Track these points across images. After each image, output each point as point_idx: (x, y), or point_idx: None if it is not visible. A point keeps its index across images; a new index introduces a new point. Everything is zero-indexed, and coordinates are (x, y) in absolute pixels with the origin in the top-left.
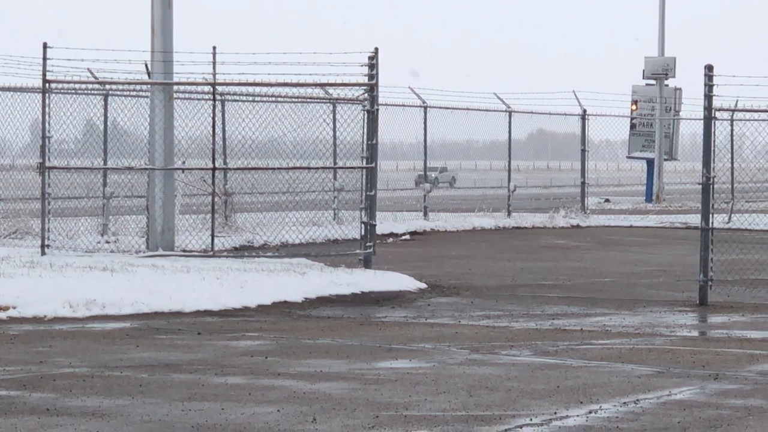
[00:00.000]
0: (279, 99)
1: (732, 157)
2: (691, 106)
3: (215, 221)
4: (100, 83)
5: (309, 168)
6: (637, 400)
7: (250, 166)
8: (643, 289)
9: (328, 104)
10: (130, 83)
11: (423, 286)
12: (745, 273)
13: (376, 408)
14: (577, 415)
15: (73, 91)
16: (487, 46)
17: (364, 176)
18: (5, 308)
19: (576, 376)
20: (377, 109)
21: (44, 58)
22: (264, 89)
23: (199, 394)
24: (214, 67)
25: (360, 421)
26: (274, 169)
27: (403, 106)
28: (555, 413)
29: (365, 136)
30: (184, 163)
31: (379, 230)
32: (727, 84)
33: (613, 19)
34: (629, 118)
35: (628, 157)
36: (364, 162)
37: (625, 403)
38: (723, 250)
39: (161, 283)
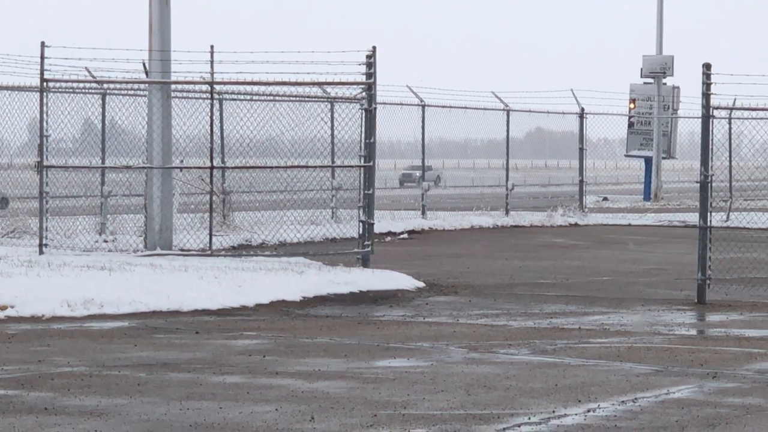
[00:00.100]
0: (277, 98)
1: (730, 156)
2: (689, 105)
3: (213, 220)
4: (97, 82)
5: (307, 167)
6: (636, 398)
7: (248, 164)
8: (641, 288)
9: (326, 103)
10: (127, 82)
11: (421, 284)
12: (743, 271)
13: (374, 407)
14: (576, 414)
15: (71, 90)
16: (486, 45)
17: (362, 175)
18: (3, 307)
19: (574, 374)
20: (375, 108)
21: (42, 57)
22: (262, 88)
23: (197, 393)
24: (211, 66)
25: (358, 420)
26: (272, 167)
27: (401, 104)
28: (553, 412)
29: (363, 135)
30: (182, 161)
31: (377, 229)
32: (725, 82)
33: (611, 18)
34: (627, 117)
35: (626, 156)
36: (362, 161)
37: (623, 401)
38: (721, 249)
39: (159, 283)
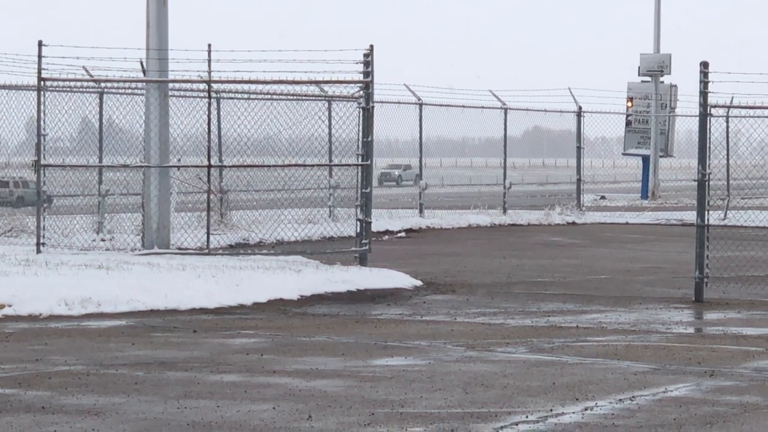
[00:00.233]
0: (274, 97)
1: (728, 154)
2: (687, 103)
3: (211, 219)
4: (95, 81)
5: (304, 165)
6: (633, 396)
7: (245, 163)
8: (638, 286)
9: (324, 102)
10: (125, 81)
11: (419, 283)
12: (740, 270)
13: (372, 405)
14: (573, 412)
15: (69, 89)
16: (483, 44)
17: (360, 173)
18: (0, 306)
19: (572, 373)
20: (373, 107)
21: (39, 56)
22: (259, 87)
23: (195, 391)
24: (209, 65)
25: (355, 419)
26: (269, 166)
27: (399, 103)
28: (551, 410)
29: (360, 134)
30: (179, 160)
31: (374, 227)
32: (723, 81)
33: (609, 17)
34: (625, 115)
35: (624, 154)
36: (360, 159)
37: (620, 400)
38: (718, 247)
39: (157, 281)
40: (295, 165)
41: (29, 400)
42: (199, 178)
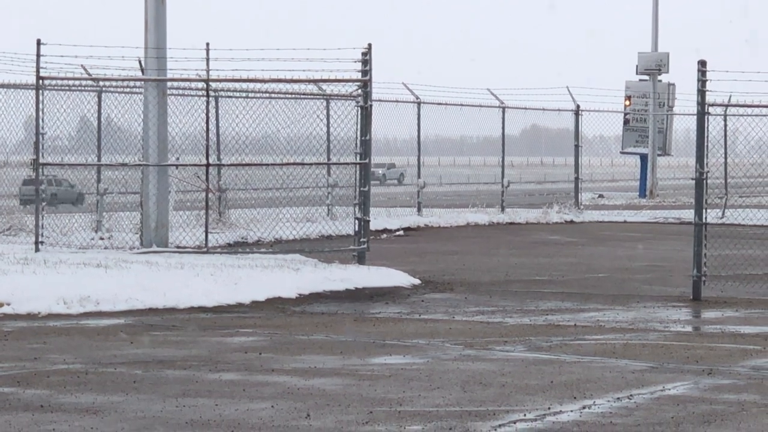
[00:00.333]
0: (273, 95)
1: (726, 153)
2: (685, 102)
3: (209, 217)
4: (93, 80)
5: (303, 164)
6: (631, 395)
7: (243, 162)
8: (636, 285)
9: (322, 100)
10: (123, 79)
11: (417, 281)
12: (738, 268)
13: (370, 404)
14: (571, 411)
15: (67, 88)
16: (481, 43)
17: (358, 172)
18: None
19: (570, 371)
20: (371, 105)
21: (38, 55)
22: (258, 85)
23: (193, 390)
24: (207, 64)
25: (354, 417)
26: (268, 165)
27: (397, 102)
28: (549, 408)
29: (359, 132)
30: (178, 159)
31: (372, 226)
32: (721, 79)
33: (607, 15)
34: (623, 114)
35: (622, 153)
36: (358, 158)
37: (618, 398)
38: (716, 246)
39: (155, 280)
40: (294, 163)
41: (28, 399)
42: (198, 177)
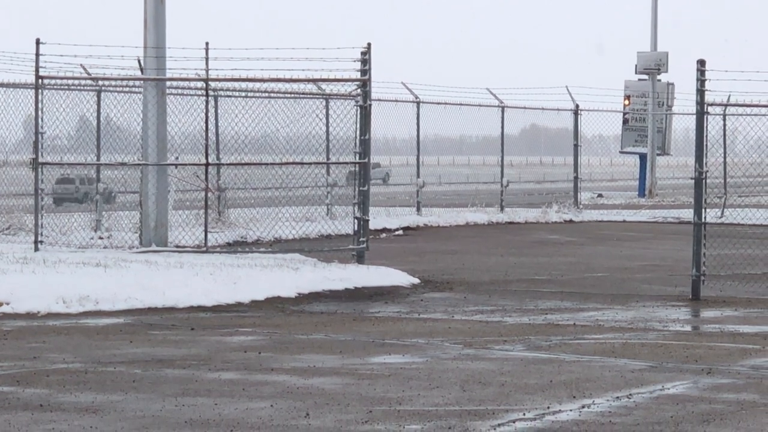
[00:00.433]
0: (272, 95)
1: (725, 152)
2: (684, 101)
3: (208, 217)
4: (93, 79)
5: (302, 163)
6: (630, 394)
7: (243, 161)
8: (635, 284)
9: (321, 100)
10: (123, 79)
11: (416, 281)
12: (737, 268)
13: (370, 403)
14: (570, 410)
15: (66, 87)
16: (481, 42)
17: (357, 171)
18: None
19: (569, 370)
20: (370, 105)
21: (37, 54)
22: (257, 85)
23: (193, 389)
24: (206, 63)
25: (353, 416)
26: (267, 164)
27: (396, 101)
28: (548, 408)
29: (358, 132)
30: (177, 158)
31: (372, 225)
32: (720, 79)
33: (606, 15)
34: (622, 113)
35: (621, 152)
36: (357, 157)
37: (618, 397)
38: (716, 245)
39: (154, 279)
40: (293, 163)
41: (27, 398)
42: (197, 176)
